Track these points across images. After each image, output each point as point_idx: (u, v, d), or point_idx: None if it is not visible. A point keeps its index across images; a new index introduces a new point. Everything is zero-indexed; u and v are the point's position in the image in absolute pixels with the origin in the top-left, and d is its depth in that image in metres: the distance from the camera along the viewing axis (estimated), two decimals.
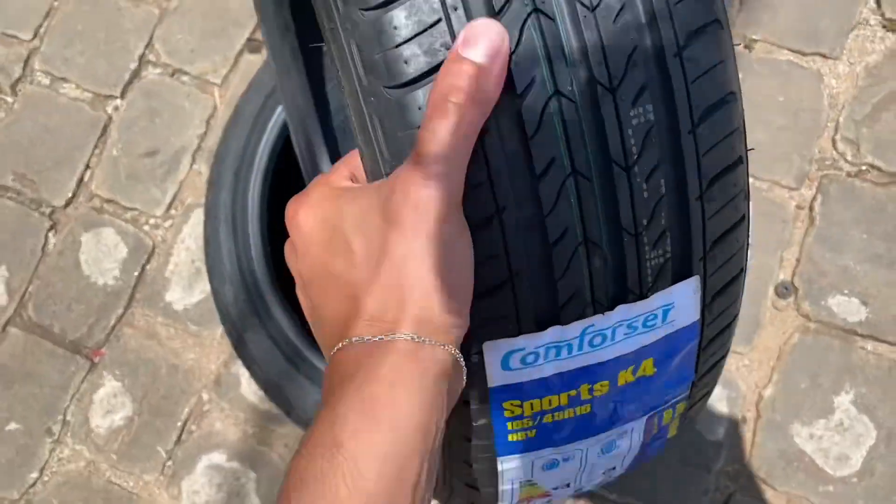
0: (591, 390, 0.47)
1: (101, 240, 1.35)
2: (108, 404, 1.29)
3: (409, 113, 0.39)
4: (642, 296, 0.44)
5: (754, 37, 1.28)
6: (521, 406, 0.47)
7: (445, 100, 0.37)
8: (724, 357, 0.54)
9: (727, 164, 0.44)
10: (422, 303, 0.37)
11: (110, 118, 1.41)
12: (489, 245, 0.40)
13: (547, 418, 0.48)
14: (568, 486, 0.55)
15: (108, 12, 1.46)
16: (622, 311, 0.44)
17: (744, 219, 0.46)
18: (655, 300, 0.44)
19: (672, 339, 0.47)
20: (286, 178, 1.10)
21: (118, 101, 1.41)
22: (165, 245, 1.34)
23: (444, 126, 0.36)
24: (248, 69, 1.40)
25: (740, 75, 1.29)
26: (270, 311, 1.01)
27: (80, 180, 1.39)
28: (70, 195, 1.38)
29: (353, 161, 0.46)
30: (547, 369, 0.45)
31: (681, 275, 0.44)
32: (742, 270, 0.49)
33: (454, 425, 0.47)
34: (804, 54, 1.27)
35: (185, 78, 1.41)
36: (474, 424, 0.48)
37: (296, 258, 0.43)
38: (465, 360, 0.41)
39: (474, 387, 0.45)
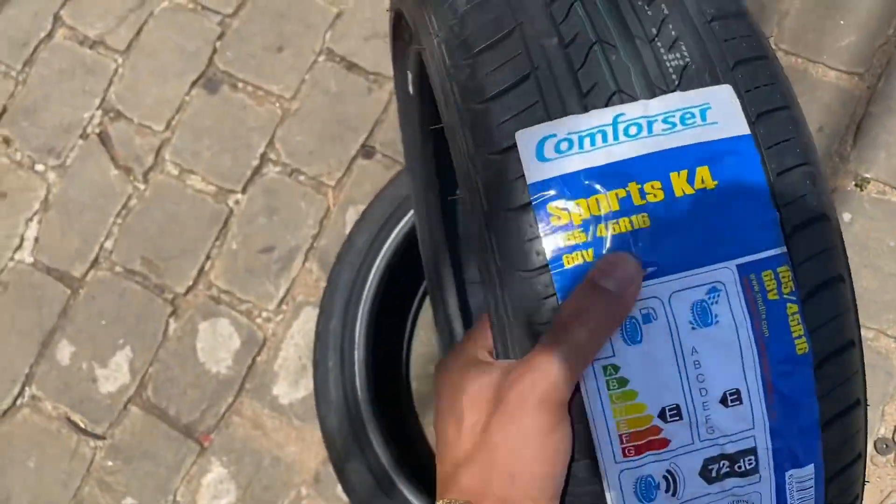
0: (642, 192, 0.43)
1: (216, 329, 1.45)
2: (215, 489, 1.38)
3: (535, 304, 0.44)
4: (669, 91, 0.44)
5: (867, 175, 1.27)
6: (566, 209, 0.43)
7: (575, 318, 0.41)
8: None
9: None
10: (504, 487, 0.42)
11: (231, 212, 1.50)
12: (511, 48, 0.45)
13: (601, 229, 0.43)
14: (678, 412, 0.44)
15: (234, 109, 1.55)
16: (655, 102, 0.44)
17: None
18: (688, 96, 0.44)
19: (724, 148, 0.44)
20: (392, 309, 1.16)
21: (239, 196, 1.51)
22: (276, 339, 1.42)
23: (567, 341, 0.41)
24: (361, 174, 1.47)
25: (849, 216, 1.29)
26: (370, 441, 1.07)
27: (201, 270, 1.49)
28: (190, 283, 1.48)
29: (487, 332, 0.51)
30: (585, 159, 0.43)
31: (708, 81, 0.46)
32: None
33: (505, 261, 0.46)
34: None
35: (301, 178, 1.49)
36: (528, 240, 0.45)
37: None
38: None
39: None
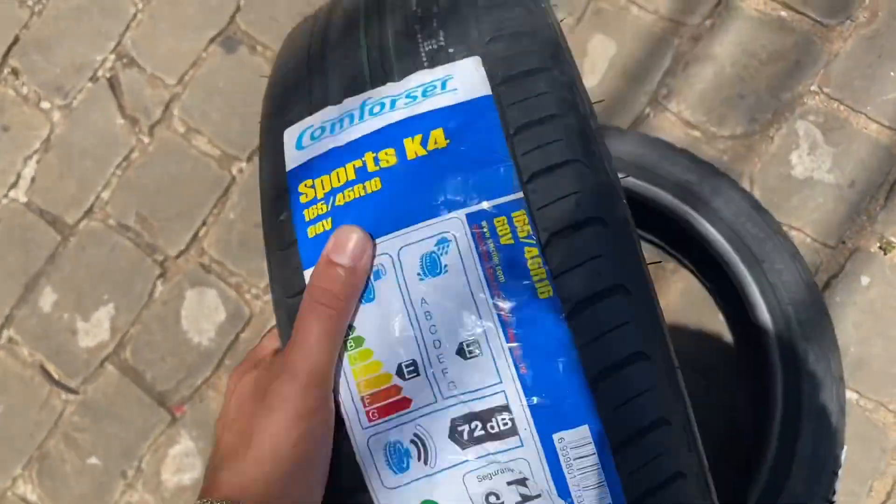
0: (376, 160, 0.46)
1: (203, 299, 1.41)
2: (181, 462, 1.35)
3: (290, 279, 0.48)
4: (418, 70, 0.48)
5: (893, 239, 1.21)
6: (313, 186, 0.47)
7: (318, 302, 0.44)
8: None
9: None
10: (263, 481, 0.43)
11: (233, 180, 1.46)
12: (306, 67, 0.53)
13: (339, 198, 0.46)
14: (415, 367, 0.43)
15: (249, 74, 1.50)
16: (400, 81, 0.48)
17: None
18: (433, 72, 0.48)
19: (461, 110, 0.46)
20: None
21: (244, 165, 1.46)
22: (262, 318, 1.38)
23: (314, 326, 0.43)
24: None
25: (867, 280, 1.23)
26: None
27: (195, 235, 1.44)
28: (183, 248, 1.44)
29: (274, 332, 0.54)
30: (333, 141, 0.48)
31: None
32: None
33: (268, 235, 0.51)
34: None
35: None
36: (279, 221, 0.49)
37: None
38: None
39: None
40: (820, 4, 1.32)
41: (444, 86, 0.48)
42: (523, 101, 0.47)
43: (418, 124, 0.47)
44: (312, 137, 0.49)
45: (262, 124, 0.55)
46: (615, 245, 0.45)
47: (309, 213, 0.47)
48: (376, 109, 0.48)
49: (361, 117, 0.48)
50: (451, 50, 0.50)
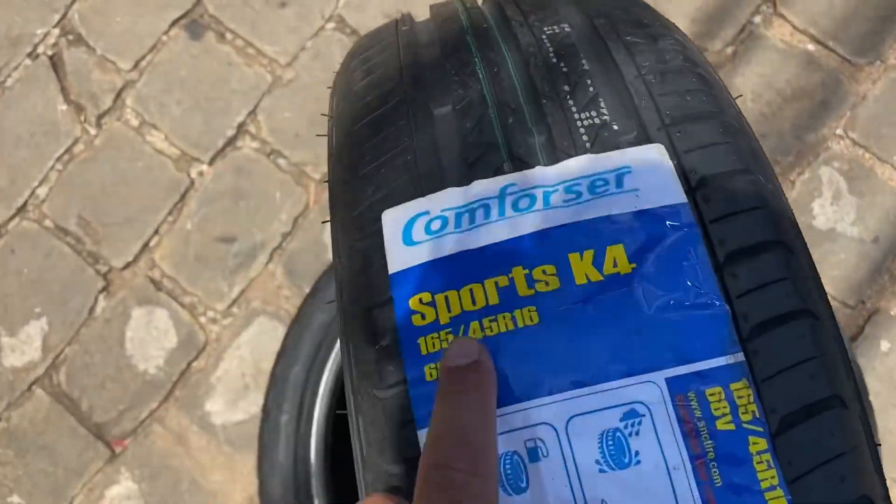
0: (530, 279, 0.34)
1: (152, 320, 1.24)
2: None
3: (390, 434, 0.36)
4: (577, 154, 0.38)
5: None
6: (432, 304, 0.35)
7: (446, 439, 0.32)
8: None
9: None
10: None
11: (192, 184, 1.29)
12: (392, 117, 0.41)
13: (475, 329, 0.34)
14: None
15: (217, 64, 1.32)
16: (555, 168, 0.37)
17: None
18: (600, 159, 0.37)
19: (648, 222, 0.35)
20: None
21: (205, 168, 1.29)
22: (218, 346, 1.23)
23: (447, 489, 0.30)
24: None
25: (888, 345, 1.13)
26: None
27: (146, 245, 1.27)
28: (131, 259, 1.27)
29: None
30: (462, 241, 0.36)
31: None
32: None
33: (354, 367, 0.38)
34: None
35: (282, 162, 1.28)
36: (377, 348, 0.36)
37: None
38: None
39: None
40: (850, 41, 1.23)
41: (619, 182, 0.36)
42: (732, 218, 0.35)
43: (588, 235, 0.35)
44: (429, 231, 0.37)
45: (340, 191, 0.42)
46: (866, 433, 0.35)
47: (427, 344, 0.35)
48: (523, 204, 0.36)
49: (502, 212, 0.36)
50: (616, 127, 0.38)
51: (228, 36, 1.33)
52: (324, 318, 0.96)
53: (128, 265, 1.27)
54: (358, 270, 0.39)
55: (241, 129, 1.30)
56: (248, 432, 1.18)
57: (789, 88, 1.22)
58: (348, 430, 0.39)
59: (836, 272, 1.15)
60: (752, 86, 1.22)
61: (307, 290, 1.21)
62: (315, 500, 0.91)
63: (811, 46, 1.23)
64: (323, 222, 1.18)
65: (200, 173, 1.29)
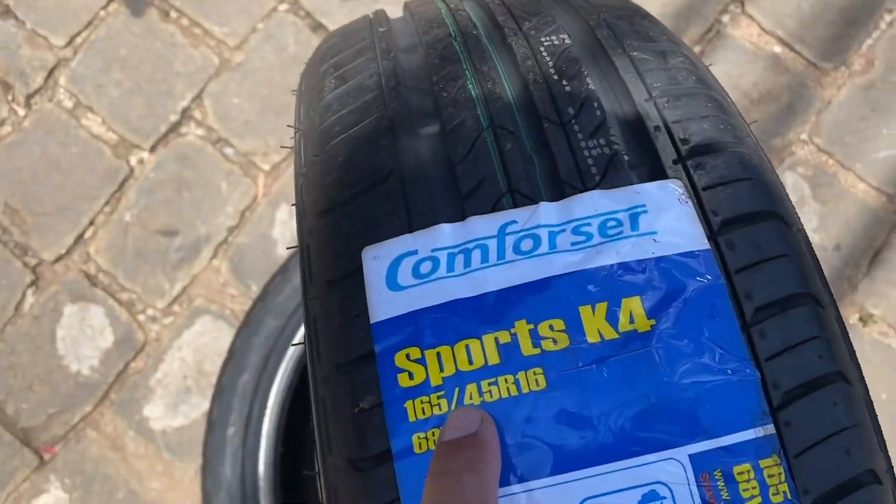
0: (535, 336, 0.31)
1: (86, 318, 1.16)
2: None
3: None
4: (585, 189, 0.34)
5: (873, 312, 1.13)
6: (422, 361, 0.31)
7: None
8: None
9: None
10: None
11: (132, 173, 1.20)
12: (373, 137, 0.36)
13: (471, 393, 0.30)
14: None
15: (160, 44, 1.24)
16: (561, 205, 0.33)
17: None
18: (613, 195, 0.33)
19: (668, 270, 0.31)
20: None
21: (145, 155, 1.21)
22: (158, 346, 1.15)
23: None
24: None
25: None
26: None
27: (80, 237, 1.19)
28: (63, 252, 1.18)
29: None
30: (455, 287, 0.32)
31: (647, 177, 0.34)
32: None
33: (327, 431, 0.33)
34: None
35: (229, 151, 1.21)
36: (357, 411, 0.32)
37: None
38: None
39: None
40: (816, 44, 1.21)
41: (634, 223, 0.32)
42: (760, 267, 0.32)
43: (601, 285, 0.31)
44: (417, 274, 0.32)
45: (313, 223, 0.36)
46: None
47: (415, 409, 0.30)
48: (526, 246, 0.32)
49: (501, 255, 0.32)
50: (627, 158, 0.34)
51: (173, 14, 1.25)
52: (275, 324, 0.90)
53: (60, 258, 1.18)
54: (334, 316, 0.34)
55: (185, 114, 1.22)
56: (190, 438, 1.12)
57: (756, 91, 1.20)
58: (300, 444, 0.34)
59: None
60: None
61: (255, 289, 1.14)
62: None
63: (778, 48, 1.21)
64: (288, 248, 1.11)
65: (140, 161, 1.21)
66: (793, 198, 1.15)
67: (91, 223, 1.19)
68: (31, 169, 1.20)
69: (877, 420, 0.33)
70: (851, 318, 1.13)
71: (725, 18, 1.23)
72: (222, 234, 1.18)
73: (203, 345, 1.15)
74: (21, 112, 1.22)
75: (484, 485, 0.28)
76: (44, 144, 1.21)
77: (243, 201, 1.19)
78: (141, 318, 1.16)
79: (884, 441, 0.33)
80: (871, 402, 0.34)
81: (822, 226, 1.15)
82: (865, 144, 1.18)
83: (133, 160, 1.21)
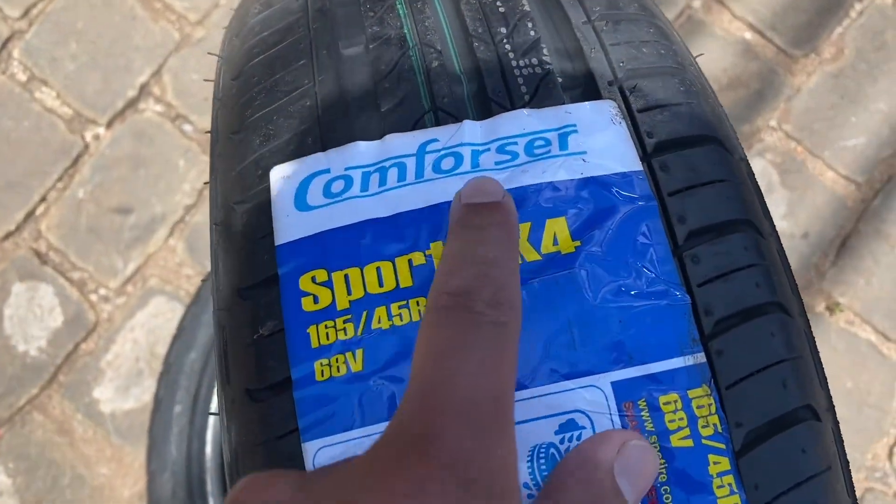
0: None
1: (35, 297, 1.12)
2: None
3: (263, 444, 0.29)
4: (513, 108, 0.32)
5: (840, 300, 1.12)
6: (328, 284, 0.28)
7: (467, 309, 0.24)
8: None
9: None
10: None
11: (86, 148, 1.17)
12: (291, 57, 0.34)
13: (380, 317, 0.28)
14: None
15: (119, 17, 1.20)
16: (486, 123, 0.31)
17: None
18: (542, 114, 0.31)
19: (595, 192, 0.29)
20: None
21: (101, 131, 1.17)
22: (110, 326, 1.12)
23: (473, 363, 0.23)
24: None
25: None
26: None
27: (31, 214, 1.15)
28: (13, 228, 1.14)
29: None
30: (367, 207, 0.29)
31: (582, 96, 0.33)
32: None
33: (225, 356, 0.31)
34: (887, 339, 1.11)
35: (187, 128, 1.18)
36: (256, 337, 0.29)
37: None
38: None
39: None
40: (787, 32, 1.20)
41: (563, 143, 0.30)
42: (695, 191, 0.30)
43: (524, 205, 0.29)
44: (328, 193, 0.30)
45: (223, 144, 0.34)
46: (837, 444, 0.30)
47: (318, 334, 0.28)
48: (446, 164, 0.30)
49: (419, 173, 0.30)
50: (560, 78, 0.32)
51: None
52: None
53: (9, 235, 1.14)
54: (238, 240, 0.31)
55: (143, 90, 1.18)
56: (140, 422, 1.08)
57: (726, 77, 1.19)
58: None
59: None
60: None
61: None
62: (210, 500, 0.82)
63: (749, 35, 1.20)
64: (204, 183, 1.08)
65: (96, 136, 1.17)
66: (761, 184, 1.13)
67: (43, 199, 1.15)
68: None
69: (818, 355, 0.31)
70: (818, 307, 1.12)
71: (696, 4, 1.22)
72: (179, 212, 1.15)
73: (156, 326, 1.11)
74: None
75: (511, 244, 0.26)
76: None
77: (201, 179, 1.16)
78: (93, 297, 1.12)
79: (825, 378, 0.31)
80: (813, 337, 0.32)
81: (791, 213, 1.14)
82: (834, 132, 1.17)
83: (88, 136, 1.17)
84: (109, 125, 1.17)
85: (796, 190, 1.15)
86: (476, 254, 0.25)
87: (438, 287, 0.24)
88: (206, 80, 1.13)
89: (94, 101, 1.18)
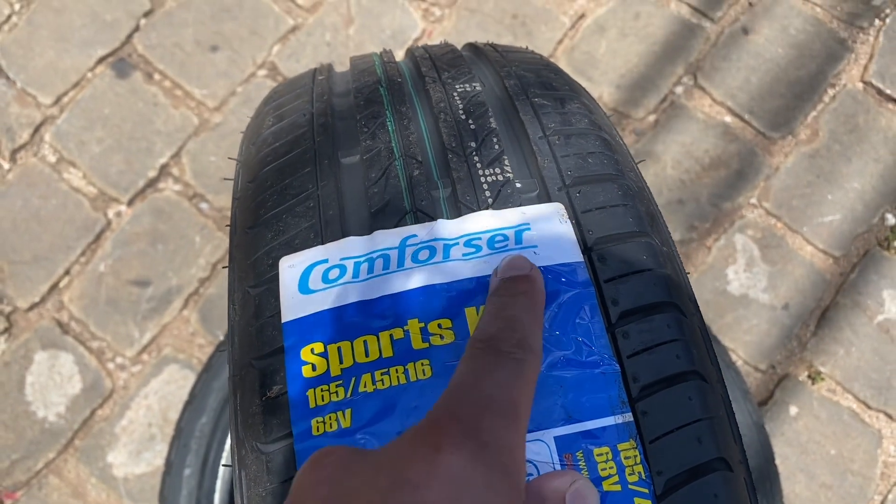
0: (425, 333, 0.34)
1: (56, 365, 1.19)
2: None
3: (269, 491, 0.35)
4: (479, 210, 0.38)
5: (821, 369, 1.17)
6: (324, 355, 0.34)
7: (501, 351, 0.30)
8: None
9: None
10: None
11: (108, 225, 1.25)
12: (299, 164, 0.41)
13: (366, 382, 0.33)
14: None
15: (142, 104, 1.30)
16: (455, 222, 0.38)
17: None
18: (502, 215, 0.38)
19: (545, 278, 0.35)
20: None
21: (123, 208, 1.25)
22: (125, 394, 1.18)
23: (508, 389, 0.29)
24: None
25: (795, 410, 1.14)
26: None
27: (55, 286, 1.22)
28: (37, 300, 1.21)
29: None
30: (358, 290, 0.35)
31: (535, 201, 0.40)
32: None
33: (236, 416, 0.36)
34: (868, 407, 1.16)
35: (204, 206, 1.26)
36: (264, 399, 0.35)
37: None
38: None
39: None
40: (764, 115, 1.28)
41: (518, 238, 0.37)
42: (626, 278, 0.36)
43: (485, 290, 0.35)
44: (327, 280, 0.37)
45: (240, 237, 0.41)
46: (751, 500, 0.35)
47: (316, 396, 0.34)
48: (423, 255, 0.36)
49: (401, 263, 0.36)
50: (519, 185, 0.39)
51: (157, 76, 1.31)
52: None
53: (34, 306, 1.21)
54: (250, 318, 0.38)
55: (163, 170, 1.27)
56: (152, 486, 1.13)
57: (707, 157, 1.26)
58: None
59: (748, 337, 1.18)
60: (673, 153, 1.26)
61: (222, 339, 1.17)
62: None
63: (728, 118, 1.28)
64: (223, 267, 1.15)
65: (118, 214, 1.25)
66: (742, 259, 1.20)
67: (66, 273, 1.23)
68: (11, 220, 1.24)
69: (733, 416, 0.37)
70: (801, 376, 1.17)
71: (679, 90, 1.30)
72: (193, 285, 1.22)
73: (169, 393, 1.17)
74: (6, 166, 1.27)
75: (535, 307, 0.33)
76: (25, 197, 1.26)
77: (216, 254, 1.23)
78: (110, 365, 1.19)
79: (739, 435, 0.37)
80: (730, 401, 0.38)
81: (772, 286, 1.20)
82: (812, 209, 1.24)
83: (111, 213, 1.25)
84: (131, 203, 1.26)
85: (777, 264, 1.21)
86: (505, 313, 0.32)
87: (475, 336, 0.31)
88: (229, 158, 1.22)
89: (117, 181, 1.26)
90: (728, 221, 1.23)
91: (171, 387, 1.17)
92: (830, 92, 1.30)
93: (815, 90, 1.30)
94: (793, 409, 1.15)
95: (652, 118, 1.29)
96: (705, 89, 1.30)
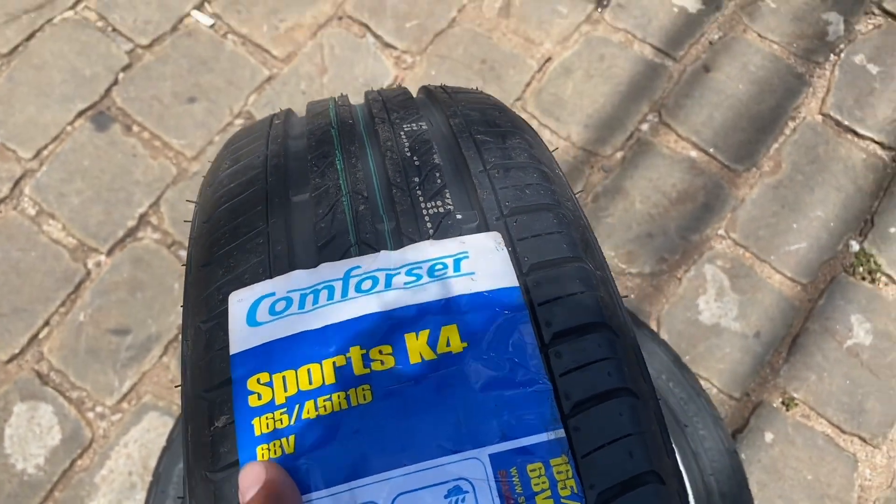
0: (366, 359, 0.35)
1: (35, 416, 1.19)
2: None
3: None
4: (421, 240, 0.40)
5: (795, 395, 1.19)
6: (269, 384, 0.35)
7: None
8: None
9: None
10: None
11: (88, 275, 1.26)
12: (250, 203, 0.43)
13: (309, 409, 0.35)
14: None
15: (121, 155, 1.32)
16: (397, 252, 0.39)
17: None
18: (442, 244, 0.39)
19: (481, 304, 0.36)
20: None
21: (102, 258, 1.27)
22: (105, 443, 1.18)
23: None
24: None
25: (771, 436, 1.15)
26: None
27: (34, 337, 1.23)
28: (17, 351, 1.22)
29: None
30: (303, 321, 0.36)
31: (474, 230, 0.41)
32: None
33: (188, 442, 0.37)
34: (843, 431, 1.17)
35: (183, 253, 1.27)
36: (212, 429, 0.36)
37: None
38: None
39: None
40: (728, 149, 1.32)
41: (457, 266, 0.39)
42: (559, 301, 0.38)
43: (424, 316, 0.37)
44: (273, 312, 0.38)
45: (194, 275, 0.43)
46: None
47: (261, 425, 0.35)
48: (366, 286, 0.38)
49: (345, 293, 0.38)
50: (459, 216, 0.41)
51: (135, 128, 1.34)
52: None
53: (13, 358, 1.22)
54: (202, 352, 0.39)
55: (142, 219, 1.29)
56: None
57: (674, 192, 1.30)
58: None
59: (721, 366, 1.20)
60: (640, 188, 1.30)
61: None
62: None
63: (694, 153, 1.32)
64: (180, 307, 1.16)
65: (98, 264, 1.27)
66: (712, 289, 1.22)
67: (46, 323, 1.23)
68: None
69: (666, 431, 0.39)
70: (774, 402, 1.18)
71: (644, 127, 1.34)
72: (173, 331, 1.23)
73: (149, 440, 1.17)
74: None
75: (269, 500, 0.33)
76: (5, 250, 1.27)
77: None
78: (90, 415, 1.19)
79: (672, 449, 0.39)
80: (662, 416, 0.39)
81: (742, 315, 1.22)
82: (778, 238, 1.27)
83: (90, 263, 1.27)
84: (110, 253, 1.27)
85: (746, 293, 1.24)
86: None
87: None
88: (188, 201, 1.24)
89: (96, 232, 1.28)
90: (697, 253, 1.26)
91: (152, 434, 1.17)
92: (791, 125, 1.34)
93: (776, 123, 1.34)
94: (768, 436, 1.16)
95: (619, 155, 1.32)
96: (670, 126, 1.34)
